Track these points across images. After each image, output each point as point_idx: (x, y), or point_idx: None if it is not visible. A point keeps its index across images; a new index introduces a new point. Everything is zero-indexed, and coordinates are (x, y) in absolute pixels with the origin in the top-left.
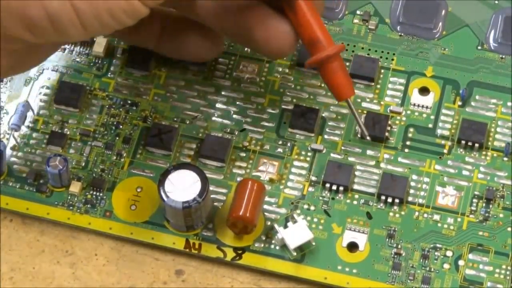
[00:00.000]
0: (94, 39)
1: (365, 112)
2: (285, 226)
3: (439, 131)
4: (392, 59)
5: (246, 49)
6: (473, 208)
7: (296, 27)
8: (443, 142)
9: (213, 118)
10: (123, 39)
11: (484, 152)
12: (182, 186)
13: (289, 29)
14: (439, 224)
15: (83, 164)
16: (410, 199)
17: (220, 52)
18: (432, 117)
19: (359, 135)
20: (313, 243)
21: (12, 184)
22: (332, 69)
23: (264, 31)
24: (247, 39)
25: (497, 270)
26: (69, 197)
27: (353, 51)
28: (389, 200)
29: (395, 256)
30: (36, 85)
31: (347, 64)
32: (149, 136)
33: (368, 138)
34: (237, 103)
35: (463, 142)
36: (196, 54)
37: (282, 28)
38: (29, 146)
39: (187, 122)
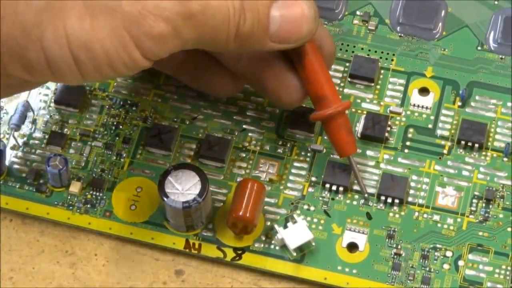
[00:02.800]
0: None
1: (365, 112)
2: (285, 226)
3: (439, 132)
4: (392, 60)
5: None
6: (473, 208)
7: (304, 81)
8: (443, 142)
9: (213, 118)
10: None
11: (484, 153)
12: (182, 186)
13: (298, 85)
14: (439, 225)
15: (83, 164)
16: (410, 199)
17: (238, 91)
18: (432, 117)
19: (358, 135)
20: (313, 243)
21: (12, 184)
22: (336, 126)
23: (274, 83)
24: (258, 86)
25: (497, 270)
26: (69, 197)
27: (353, 52)
28: (389, 200)
29: (395, 257)
30: None
31: (347, 64)
32: (149, 136)
33: (366, 195)
34: (237, 103)
35: (463, 142)
36: (213, 89)
37: (292, 83)
38: (29, 146)
39: (187, 122)
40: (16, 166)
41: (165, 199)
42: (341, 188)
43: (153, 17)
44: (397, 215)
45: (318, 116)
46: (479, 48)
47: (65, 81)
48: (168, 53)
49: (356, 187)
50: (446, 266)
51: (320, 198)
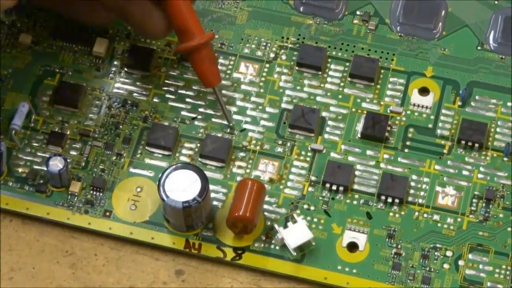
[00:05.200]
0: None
1: (365, 112)
2: (285, 226)
3: (439, 131)
4: (392, 60)
5: (246, 49)
6: (473, 208)
7: (167, 13)
8: (443, 142)
9: (213, 118)
10: None
11: (484, 152)
12: (182, 186)
13: (162, 17)
14: (439, 224)
15: (83, 164)
16: (410, 199)
17: (110, 21)
18: (432, 117)
19: (358, 135)
20: (313, 243)
21: (12, 184)
22: (200, 58)
23: (139, 15)
24: (125, 18)
25: (497, 270)
26: (69, 197)
27: (353, 51)
28: (389, 200)
29: (395, 256)
30: (36, 85)
31: (347, 64)
32: (149, 136)
33: (231, 124)
34: (237, 103)
35: (463, 142)
36: (87, 19)
37: (156, 15)
38: (29, 146)
39: (187, 122)
40: (16, 166)
41: (165, 199)
42: (341, 188)
43: None
44: (397, 215)
45: (182, 48)
46: (479, 48)
47: None
48: None
49: (356, 187)
50: (446, 266)
51: (320, 198)
